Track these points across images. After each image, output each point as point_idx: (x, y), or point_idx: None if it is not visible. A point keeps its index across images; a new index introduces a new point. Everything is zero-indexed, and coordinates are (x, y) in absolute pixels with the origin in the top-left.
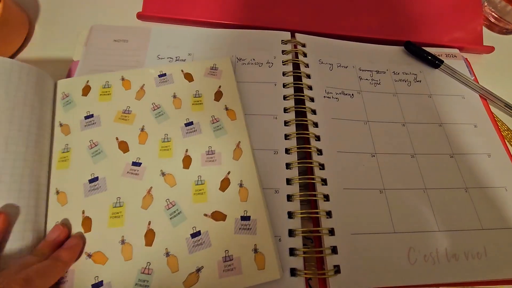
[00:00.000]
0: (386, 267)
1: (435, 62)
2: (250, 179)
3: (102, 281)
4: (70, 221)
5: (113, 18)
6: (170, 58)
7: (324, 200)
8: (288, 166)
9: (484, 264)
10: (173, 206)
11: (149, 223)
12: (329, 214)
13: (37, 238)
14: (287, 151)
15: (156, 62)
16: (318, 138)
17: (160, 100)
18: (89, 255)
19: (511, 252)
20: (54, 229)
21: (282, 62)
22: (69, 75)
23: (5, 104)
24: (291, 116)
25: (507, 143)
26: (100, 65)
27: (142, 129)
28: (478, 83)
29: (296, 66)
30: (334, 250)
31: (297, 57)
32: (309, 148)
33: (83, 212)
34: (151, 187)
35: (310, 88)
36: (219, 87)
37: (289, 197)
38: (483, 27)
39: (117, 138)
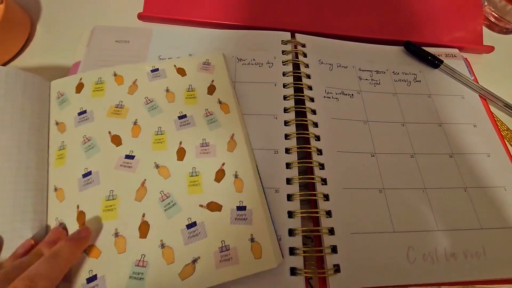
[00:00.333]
0: (386, 266)
1: (434, 62)
2: (245, 170)
3: (96, 274)
4: (66, 216)
5: (114, 18)
6: (171, 58)
7: (324, 200)
8: (288, 165)
9: (483, 264)
10: (168, 197)
11: (143, 215)
12: (329, 213)
13: (39, 236)
14: (287, 151)
15: None
16: (318, 138)
17: (153, 94)
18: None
19: (510, 252)
20: (52, 231)
21: (282, 62)
22: None
23: (4, 111)
24: (291, 116)
25: (506, 143)
26: (101, 66)
27: (135, 123)
28: (477, 83)
29: (296, 66)
30: (334, 249)
31: (297, 57)
32: (309, 148)
33: (78, 207)
34: (145, 180)
35: (310, 88)
36: (212, 81)
37: (289, 197)
38: (483, 26)
39: (109, 132)
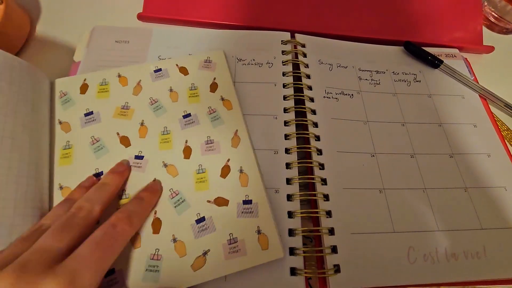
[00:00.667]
0: (386, 266)
1: (434, 62)
2: (250, 164)
3: (113, 268)
4: None
5: (114, 19)
6: (173, 58)
7: (324, 200)
8: (288, 166)
9: (483, 264)
10: (177, 195)
11: (155, 212)
12: (329, 213)
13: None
14: (287, 151)
15: None
16: (318, 138)
17: (157, 94)
18: None
19: (511, 252)
20: (87, 179)
21: (282, 63)
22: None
23: (4, 99)
24: (291, 116)
25: (507, 143)
26: (101, 66)
27: (142, 124)
28: (478, 83)
29: (296, 66)
30: (334, 249)
31: (297, 57)
32: (309, 148)
33: None
34: (155, 179)
35: (310, 88)
36: (214, 79)
37: (289, 197)
38: (483, 26)
39: (118, 133)
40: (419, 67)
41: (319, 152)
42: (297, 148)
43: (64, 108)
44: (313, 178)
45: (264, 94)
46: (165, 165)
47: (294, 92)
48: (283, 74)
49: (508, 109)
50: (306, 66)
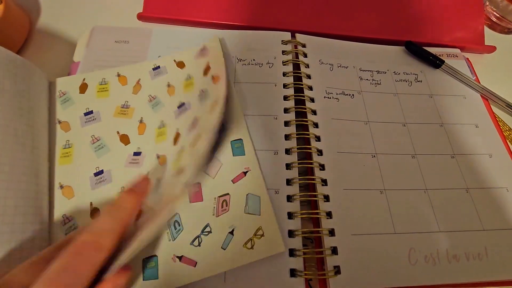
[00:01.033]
0: (387, 267)
1: (436, 62)
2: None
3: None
4: (77, 212)
5: (113, 19)
6: (171, 54)
7: (324, 201)
8: (288, 166)
9: (485, 265)
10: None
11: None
12: (329, 214)
13: (39, 230)
14: (287, 151)
15: None
16: (318, 138)
17: (155, 91)
18: None
19: None
20: (138, 181)
21: (282, 63)
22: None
23: (6, 96)
24: (292, 116)
25: (508, 143)
26: (101, 66)
27: (141, 121)
28: (479, 83)
29: (296, 66)
30: (334, 250)
31: (297, 57)
32: (310, 148)
33: (91, 204)
34: (148, 172)
35: (310, 88)
36: (208, 63)
37: (289, 198)
38: (485, 26)
39: (118, 132)
40: (420, 67)
41: (320, 152)
42: (298, 148)
43: (63, 108)
44: (313, 179)
45: (264, 94)
46: (158, 157)
47: (295, 92)
48: (284, 74)
49: (510, 110)
50: (307, 66)
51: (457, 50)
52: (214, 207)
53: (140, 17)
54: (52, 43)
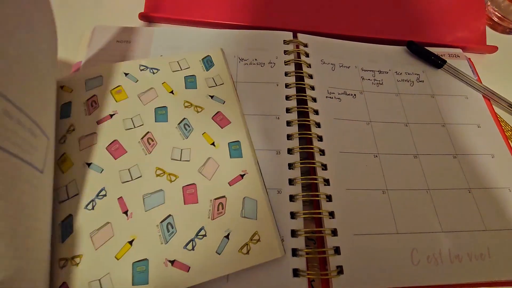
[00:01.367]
0: (389, 268)
1: (438, 62)
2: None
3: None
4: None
5: (115, 18)
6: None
7: (327, 201)
8: (290, 166)
9: (487, 265)
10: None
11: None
12: (331, 214)
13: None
14: (289, 151)
15: None
16: (320, 138)
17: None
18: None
19: None
20: None
21: (284, 62)
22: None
23: None
24: (294, 116)
25: (510, 143)
26: None
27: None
28: (481, 83)
29: (298, 66)
30: (337, 250)
31: (299, 57)
32: (312, 148)
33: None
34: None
35: (312, 88)
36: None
37: (292, 198)
38: (486, 26)
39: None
40: (422, 67)
41: (322, 152)
42: (300, 148)
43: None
44: (315, 179)
45: (266, 94)
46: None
47: (297, 92)
48: (285, 74)
49: None
50: (309, 66)
51: (459, 50)
52: (209, 210)
53: (142, 16)
54: None
